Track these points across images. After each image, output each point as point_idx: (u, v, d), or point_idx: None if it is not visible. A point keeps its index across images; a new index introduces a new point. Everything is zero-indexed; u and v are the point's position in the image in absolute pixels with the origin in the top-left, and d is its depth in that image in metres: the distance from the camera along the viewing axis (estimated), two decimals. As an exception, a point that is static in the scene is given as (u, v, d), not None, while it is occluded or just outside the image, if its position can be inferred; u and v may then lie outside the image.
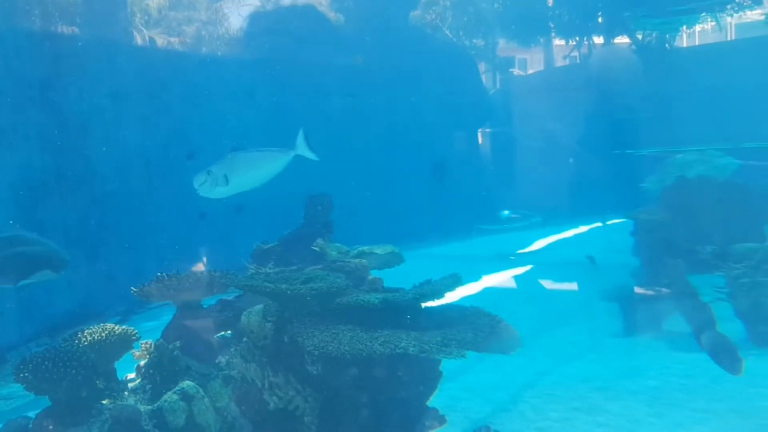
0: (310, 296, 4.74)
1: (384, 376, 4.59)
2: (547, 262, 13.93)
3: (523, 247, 15.94)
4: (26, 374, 6.04)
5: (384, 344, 4.32)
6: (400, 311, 4.77)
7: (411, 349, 4.21)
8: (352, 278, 5.51)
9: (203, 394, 6.58)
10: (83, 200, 11.58)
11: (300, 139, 5.86)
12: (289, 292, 4.76)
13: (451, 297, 5.09)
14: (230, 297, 8.08)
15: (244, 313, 5.52)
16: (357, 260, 6.60)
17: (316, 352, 4.48)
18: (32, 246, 7.43)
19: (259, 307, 5.41)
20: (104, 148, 12.19)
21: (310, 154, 5.88)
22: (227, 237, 14.52)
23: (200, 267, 8.59)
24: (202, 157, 14.31)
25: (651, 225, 8.83)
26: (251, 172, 6.23)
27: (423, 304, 4.80)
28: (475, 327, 4.39)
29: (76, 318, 11.11)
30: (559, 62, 27.98)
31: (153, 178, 13.56)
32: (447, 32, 24.97)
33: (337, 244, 8.50)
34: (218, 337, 7.74)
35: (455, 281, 4.74)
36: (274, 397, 4.96)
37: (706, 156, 10.52)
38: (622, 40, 25.24)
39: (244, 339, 5.59)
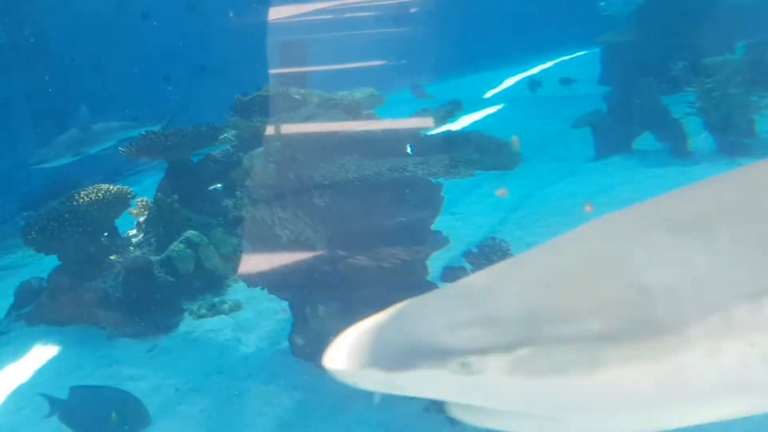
0: (313, 132, 4.86)
1: (391, 201, 4.84)
2: (519, 99, 14.13)
3: (493, 88, 16.04)
4: (33, 235, 6.19)
5: (391, 169, 4.52)
6: (402, 139, 4.95)
7: (419, 172, 4.43)
8: (351, 114, 5.61)
9: (207, 241, 6.85)
10: (43, 71, 11.19)
11: None
12: (293, 129, 4.87)
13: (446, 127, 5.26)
14: (216, 151, 8.16)
15: (246, 156, 5.62)
16: (351, 97, 6.66)
17: (326, 182, 4.67)
18: None
19: (260, 149, 5.52)
20: (56, 15, 11.62)
21: None
22: (194, 98, 14.26)
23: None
24: (156, 17, 13.79)
25: (622, 47, 8.94)
26: None
27: (423, 132, 4.97)
28: (480, 148, 4.60)
29: (53, 190, 11.08)
30: None
31: (110, 43, 13.06)
32: None
33: (316, 91, 8.51)
34: (210, 189, 7.92)
35: (455, 107, 4.88)
36: (285, 230, 5.20)
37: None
38: None
39: (247, 181, 5.73)
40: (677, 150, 8.27)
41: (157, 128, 9.59)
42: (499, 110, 13.46)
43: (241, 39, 15.12)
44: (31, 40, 10.96)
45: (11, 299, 6.75)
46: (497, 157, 4.56)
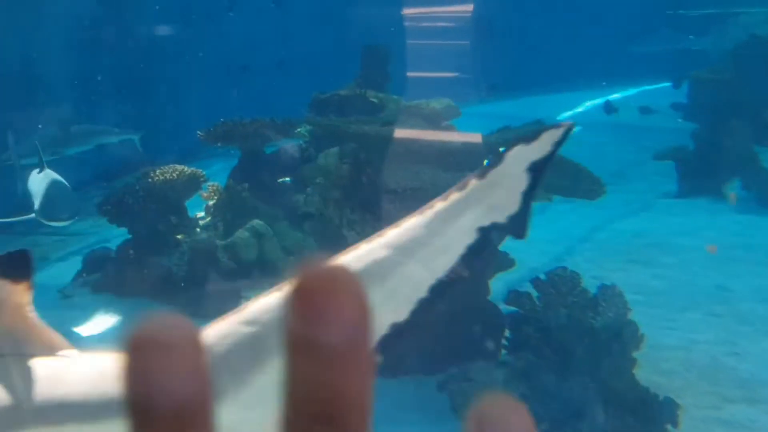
0: (392, 137, 4.84)
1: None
2: (595, 124, 13.82)
3: (568, 110, 15.76)
4: (109, 207, 6.37)
5: (467, 183, 4.45)
6: (479, 153, 4.87)
7: (495, 188, 4.34)
8: (430, 124, 5.57)
9: (272, 232, 6.92)
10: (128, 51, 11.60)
11: None
12: (372, 132, 4.86)
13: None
14: (288, 145, 8.25)
15: (321, 154, 5.65)
16: (431, 106, 6.62)
17: (398, 189, 4.64)
18: None
19: (335, 149, 5.53)
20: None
21: None
22: (270, 92, 14.47)
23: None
24: (241, 6, 14.06)
25: (715, 85, 8.63)
26: None
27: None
28: (560, 173, 4.48)
29: (126, 166, 11.41)
30: None
31: (193, 31, 13.43)
32: None
33: (394, 96, 8.49)
34: (279, 182, 7.99)
35: (539, 127, 4.77)
36: (352, 232, 5.18)
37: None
38: None
39: (318, 179, 5.75)
40: (762, 199, 7.93)
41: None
42: (574, 133, 13.19)
43: (323, 37, 15.33)
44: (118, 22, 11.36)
45: (79, 265, 6.96)
46: (576, 183, 4.43)
